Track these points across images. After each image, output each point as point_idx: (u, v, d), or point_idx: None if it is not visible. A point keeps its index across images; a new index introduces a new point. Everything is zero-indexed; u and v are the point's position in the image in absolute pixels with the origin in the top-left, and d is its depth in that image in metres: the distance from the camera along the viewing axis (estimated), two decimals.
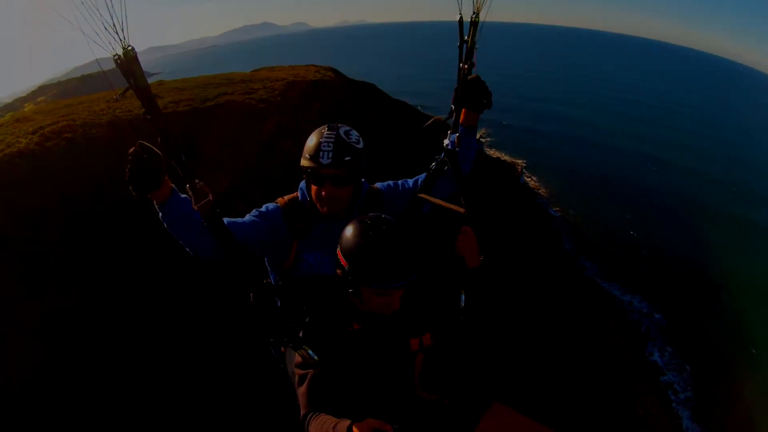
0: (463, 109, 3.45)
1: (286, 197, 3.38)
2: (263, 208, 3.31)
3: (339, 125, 3.18)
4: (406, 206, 3.51)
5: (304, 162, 3.11)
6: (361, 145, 3.15)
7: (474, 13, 3.17)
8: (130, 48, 2.41)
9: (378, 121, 18.93)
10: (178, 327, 10.18)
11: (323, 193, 3.11)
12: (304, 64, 21.86)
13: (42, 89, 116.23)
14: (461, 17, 3.18)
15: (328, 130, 3.11)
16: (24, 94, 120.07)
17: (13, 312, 8.69)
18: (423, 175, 3.59)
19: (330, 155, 3.01)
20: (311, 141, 3.10)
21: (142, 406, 8.95)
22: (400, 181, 3.64)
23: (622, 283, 22.52)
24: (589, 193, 31.87)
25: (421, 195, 3.39)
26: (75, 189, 10.26)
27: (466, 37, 3.24)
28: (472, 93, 3.37)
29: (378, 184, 3.58)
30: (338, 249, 2.64)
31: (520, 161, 35.44)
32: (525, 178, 32.77)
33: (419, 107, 30.15)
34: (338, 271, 2.67)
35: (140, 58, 2.37)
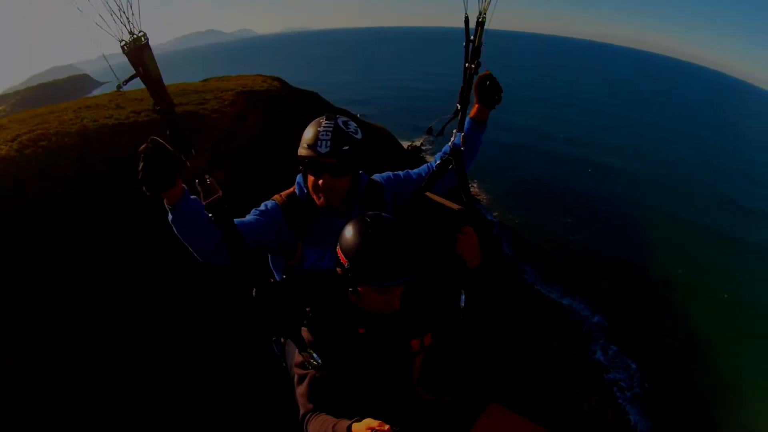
0: (476, 105, 3.59)
1: (284, 194, 3.38)
2: (263, 207, 3.28)
3: (338, 116, 3.19)
4: (407, 199, 3.56)
5: (301, 151, 3.10)
6: (359, 136, 3.16)
7: (480, 13, 3.24)
8: (141, 34, 2.34)
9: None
10: (178, 325, 10.36)
11: (320, 183, 3.10)
12: (252, 74, 22.55)
13: (2, 98, 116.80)
14: (467, 17, 3.27)
15: (326, 120, 3.12)
16: None
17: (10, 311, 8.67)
18: (424, 168, 3.70)
19: (328, 144, 3.01)
20: (309, 131, 3.11)
21: (142, 406, 9.03)
22: (401, 173, 3.69)
23: (563, 286, 23.18)
24: (529, 199, 32.65)
25: (428, 194, 3.37)
26: (50, 193, 10.52)
27: (472, 37, 3.33)
28: (486, 89, 3.51)
29: (376, 176, 3.62)
30: (338, 247, 2.67)
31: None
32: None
33: (360, 116, 30.61)
34: (338, 269, 2.71)
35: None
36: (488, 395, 3.19)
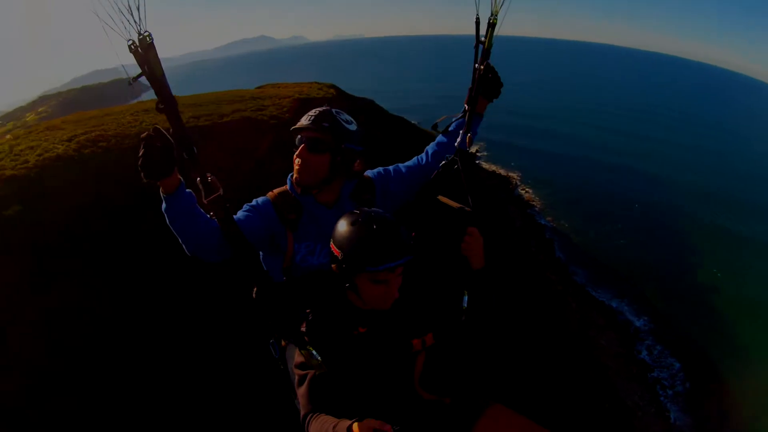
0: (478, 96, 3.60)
1: (276, 190, 3.42)
2: (254, 203, 3.35)
3: (331, 106, 3.31)
4: (399, 194, 3.61)
5: (293, 127, 3.25)
6: (352, 127, 3.24)
7: (492, 14, 3.31)
8: (146, 34, 2.41)
9: (382, 138, 19.44)
10: (178, 326, 10.40)
11: (296, 157, 3.21)
12: (307, 81, 22.67)
13: (43, 99, 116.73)
14: (478, 18, 3.35)
15: (322, 107, 3.26)
16: (24, 104, 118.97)
17: (15, 310, 8.86)
18: (414, 160, 3.74)
19: (311, 118, 3.15)
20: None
21: (142, 406, 9.09)
22: (391, 168, 3.71)
23: (611, 289, 23.31)
24: (580, 205, 32.74)
25: (440, 198, 3.38)
26: (108, 192, 10.72)
27: (482, 39, 3.41)
28: (488, 81, 3.54)
29: (368, 172, 3.62)
30: (331, 243, 2.71)
31: (514, 174, 36.44)
32: (520, 190, 33.71)
33: (418, 123, 30.72)
34: (333, 266, 2.75)
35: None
36: (493, 396, 3.14)
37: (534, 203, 32.12)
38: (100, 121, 13.21)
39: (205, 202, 2.79)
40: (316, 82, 22.52)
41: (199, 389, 9.68)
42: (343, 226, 2.66)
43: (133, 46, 2.39)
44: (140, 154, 2.59)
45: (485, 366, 12.21)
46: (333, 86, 22.31)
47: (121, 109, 15.29)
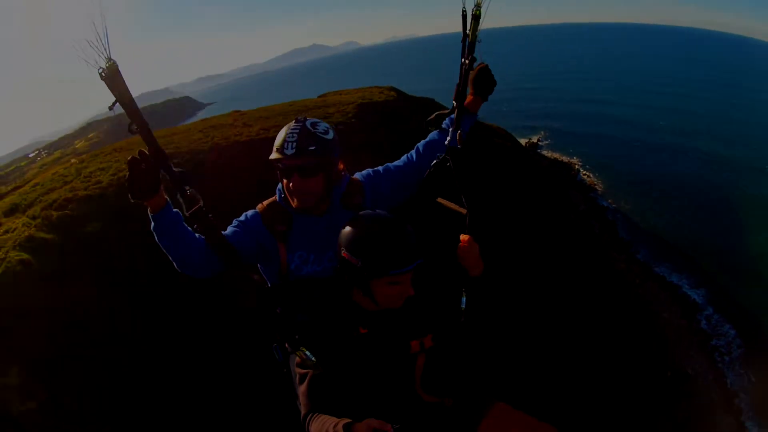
0: (470, 96, 3.68)
1: (265, 202, 3.46)
2: (242, 217, 3.39)
3: (306, 118, 3.26)
4: (388, 194, 3.60)
5: (271, 156, 3.19)
6: (330, 136, 3.21)
7: (475, 5, 3.35)
8: (111, 62, 2.58)
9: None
10: (179, 329, 10.08)
11: (291, 185, 3.18)
12: (368, 86, 22.68)
13: (92, 125, 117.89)
14: (464, 11, 3.36)
15: (294, 123, 3.20)
16: (70, 131, 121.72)
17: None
18: (404, 158, 3.75)
19: (294, 146, 3.08)
20: (279, 135, 3.20)
21: (143, 407, 8.92)
22: (380, 168, 3.70)
23: (672, 265, 23.88)
24: (640, 185, 33.10)
25: (440, 200, 3.44)
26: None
27: (468, 31, 3.44)
28: (482, 80, 3.59)
29: (357, 174, 3.64)
30: (342, 250, 2.74)
31: (575, 160, 36.77)
32: (582, 175, 34.04)
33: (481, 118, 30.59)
34: (344, 275, 2.80)
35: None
36: (497, 395, 3.18)
37: (596, 187, 32.58)
38: (170, 140, 13.36)
39: (186, 214, 2.96)
40: (376, 87, 22.47)
41: (199, 391, 9.64)
42: (356, 234, 2.72)
43: (102, 74, 2.58)
44: (126, 176, 2.79)
45: (490, 365, 12.20)
46: (393, 88, 22.37)
47: (187, 127, 15.72)
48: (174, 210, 3.01)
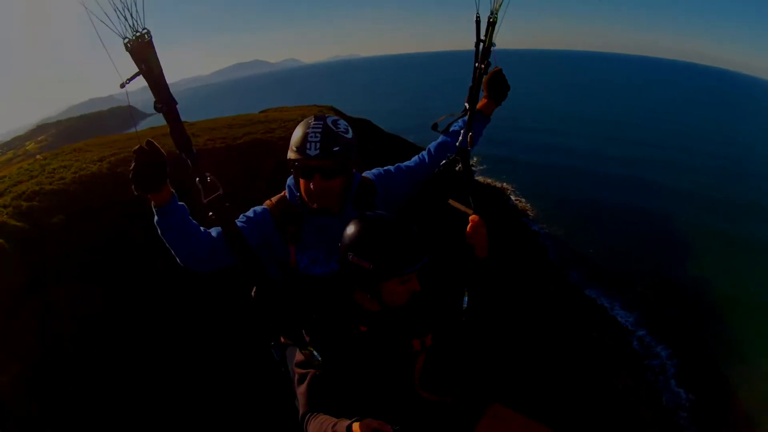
0: (484, 99, 3.57)
1: (274, 199, 3.29)
2: (251, 213, 3.22)
3: (326, 115, 3.10)
4: (400, 193, 3.49)
5: (290, 155, 3.03)
6: (350, 135, 3.06)
7: (492, 12, 3.20)
8: (145, 31, 2.35)
9: (379, 154, 19.60)
10: (179, 327, 10.57)
11: (312, 186, 3.01)
12: (308, 105, 23.75)
13: (41, 128, 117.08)
14: (478, 17, 3.24)
15: (314, 121, 3.02)
16: (22, 132, 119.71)
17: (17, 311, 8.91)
18: (416, 159, 3.64)
19: (318, 146, 2.92)
20: (298, 133, 3.03)
21: (142, 407, 9.18)
22: (392, 167, 3.56)
23: (603, 289, 24.47)
24: (575, 213, 33.78)
25: (450, 201, 3.36)
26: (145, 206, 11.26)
27: (483, 37, 3.30)
28: (496, 84, 3.50)
29: (367, 173, 3.47)
30: (349, 255, 2.64)
31: (508, 186, 37.57)
32: (514, 201, 34.88)
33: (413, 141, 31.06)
34: (352, 279, 2.72)
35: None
36: (493, 395, 3.18)
37: (528, 212, 33.39)
38: (126, 144, 14.22)
39: (204, 202, 2.76)
40: (315, 105, 23.66)
41: (199, 390, 9.85)
42: (364, 237, 2.62)
43: (129, 44, 2.36)
44: (131, 167, 2.60)
45: (487, 366, 12.45)
46: (332, 108, 23.30)
47: (144, 132, 16.26)
48: (180, 203, 2.86)
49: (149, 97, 2.48)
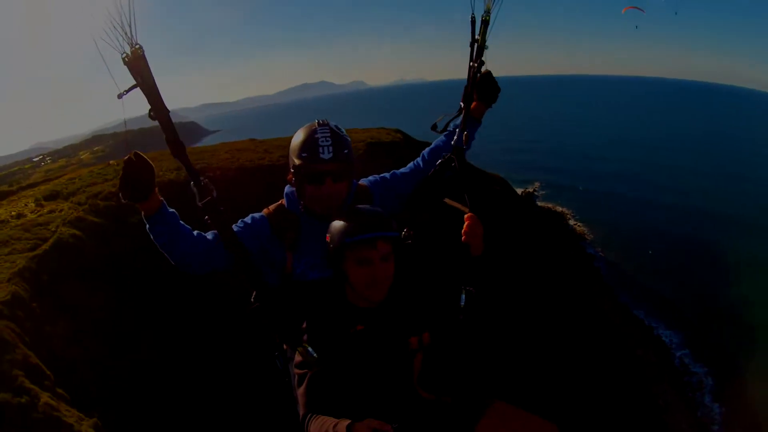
0: (474, 102, 3.61)
1: (272, 207, 3.37)
2: (248, 219, 3.30)
3: (327, 120, 3.18)
4: (396, 200, 3.59)
5: (296, 161, 3.07)
6: (349, 138, 3.17)
7: (485, 11, 3.30)
8: (137, 46, 2.54)
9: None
10: (179, 330, 10.43)
11: (323, 191, 3.07)
12: (376, 127, 24.20)
13: (96, 138, 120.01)
14: (473, 17, 3.33)
15: (320, 126, 3.09)
16: (76, 142, 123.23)
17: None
18: (411, 165, 3.78)
19: (330, 150, 2.98)
20: (302, 138, 3.09)
21: (143, 406, 8.80)
22: (387, 174, 3.68)
23: (653, 310, 25.22)
24: (632, 240, 34.37)
25: (447, 200, 3.37)
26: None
27: (477, 36, 3.38)
28: (486, 86, 3.55)
29: (364, 180, 3.58)
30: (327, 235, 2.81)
31: (567, 211, 38.16)
32: (572, 224, 35.58)
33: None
34: (329, 248, 2.82)
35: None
36: (496, 393, 3.34)
37: (586, 236, 34.11)
38: (199, 157, 14.63)
39: (199, 204, 2.88)
40: (383, 128, 23.96)
41: (199, 393, 9.66)
42: (333, 221, 2.82)
43: (126, 59, 2.57)
44: (119, 176, 2.74)
45: (487, 364, 12.59)
46: (399, 131, 23.66)
47: (214, 147, 17.02)
48: (170, 210, 2.99)
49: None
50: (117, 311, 9.55)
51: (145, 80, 2.63)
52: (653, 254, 32.18)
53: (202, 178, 2.87)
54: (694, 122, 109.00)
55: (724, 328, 23.93)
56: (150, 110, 2.70)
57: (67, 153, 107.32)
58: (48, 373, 7.20)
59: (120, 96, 2.63)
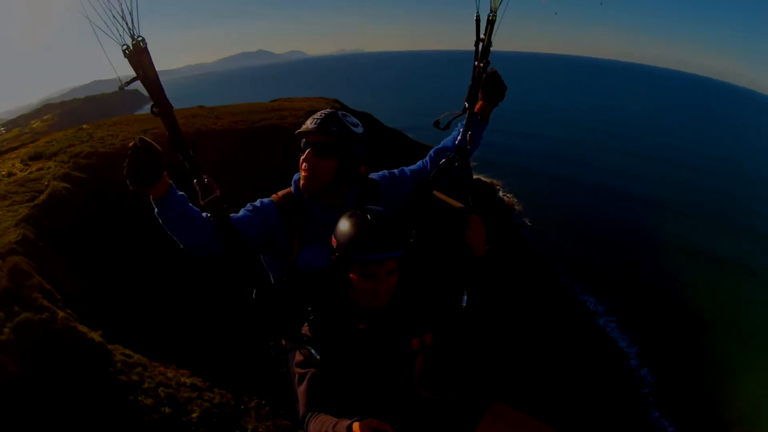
0: (480, 102, 3.53)
1: (281, 193, 3.28)
2: (257, 203, 3.19)
3: (340, 108, 3.22)
4: (404, 197, 3.50)
5: (298, 131, 3.10)
6: (358, 129, 3.10)
7: (491, 11, 3.19)
8: (140, 38, 2.41)
9: (378, 148, 19.84)
10: (179, 325, 10.93)
11: (302, 162, 3.07)
12: (315, 96, 25.53)
13: (47, 107, 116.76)
14: (478, 16, 3.22)
15: (326, 110, 3.10)
16: (27, 111, 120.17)
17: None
18: (419, 164, 3.64)
19: (317, 122, 2.99)
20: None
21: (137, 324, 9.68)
22: (396, 171, 3.56)
23: (582, 282, 26.08)
24: (559, 213, 35.29)
25: (435, 192, 3.38)
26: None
27: (482, 36, 3.28)
28: (492, 86, 3.47)
29: (373, 175, 3.48)
30: (332, 237, 2.69)
31: (497, 182, 39.21)
32: (501, 195, 36.74)
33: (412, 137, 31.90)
34: (333, 256, 2.71)
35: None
36: (495, 395, 3.56)
37: (515, 207, 35.30)
38: (153, 124, 15.18)
39: (201, 203, 2.75)
40: (322, 97, 25.29)
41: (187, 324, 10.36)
42: (342, 219, 2.68)
43: (127, 51, 2.42)
44: (126, 163, 2.58)
45: (488, 365, 12.60)
46: (337, 101, 24.92)
47: (136, 117, 17.97)
48: (179, 193, 2.83)
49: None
50: (108, 252, 10.64)
51: (147, 74, 2.49)
52: (580, 228, 33.44)
53: (204, 176, 2.73)
54: (637, 106, 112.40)
55: (647, 299, 25.04)
56: (152, 106, 2.59)
57: (19, 122, 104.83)
58: (59, 297, 8.42)
59: (121, 88, 2.59)
